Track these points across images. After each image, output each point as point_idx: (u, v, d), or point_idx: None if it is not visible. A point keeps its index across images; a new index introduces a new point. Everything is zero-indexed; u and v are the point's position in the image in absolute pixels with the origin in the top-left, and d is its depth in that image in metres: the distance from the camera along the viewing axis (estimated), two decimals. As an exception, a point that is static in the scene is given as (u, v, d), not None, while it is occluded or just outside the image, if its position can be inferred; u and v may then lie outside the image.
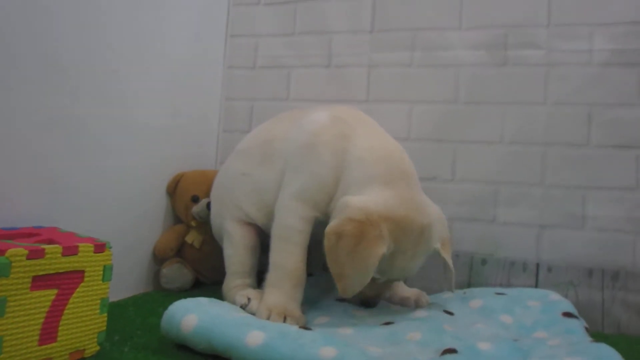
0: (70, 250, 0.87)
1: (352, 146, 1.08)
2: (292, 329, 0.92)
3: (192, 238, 1.38)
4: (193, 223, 1.38)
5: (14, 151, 1.00)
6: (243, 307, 1.07)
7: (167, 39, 1.37)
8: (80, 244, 0.89)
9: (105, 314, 0.93)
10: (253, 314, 1.02)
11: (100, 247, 0.92)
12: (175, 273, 1.34)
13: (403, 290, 1.19)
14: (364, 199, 0.99)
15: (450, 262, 1.08)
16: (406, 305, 1.16)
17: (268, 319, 0.98)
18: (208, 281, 1.40)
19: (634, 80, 1.23)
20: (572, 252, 1.25)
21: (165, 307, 0.98)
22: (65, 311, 0.87)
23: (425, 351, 0.90)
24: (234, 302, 1.10)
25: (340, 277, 0.96)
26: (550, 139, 1.28)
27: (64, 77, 1.09)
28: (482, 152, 1.33)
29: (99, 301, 0.92)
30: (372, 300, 1.14)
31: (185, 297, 1.01)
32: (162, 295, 1.29)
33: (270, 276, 1.07)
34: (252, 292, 1.11)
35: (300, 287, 1.05)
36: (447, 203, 1.28)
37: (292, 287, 1.04)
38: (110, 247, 0.93)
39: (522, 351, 0.91)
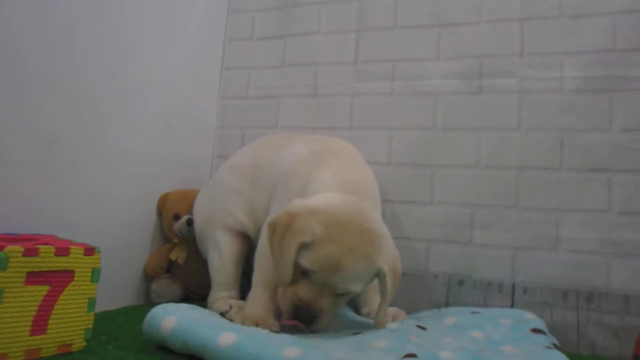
0: (62, 251, 1.00)
1: (318, 174, 1.19)
2: (263, 332, 1.01)
3: (176, 255, 1.50)
4: (175, 240, 1.51)
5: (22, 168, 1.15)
6: (224, 313, 1.19)
7: (166, 71, 1.54)
8: (71, 247, 1.02)
9: (93, 313, 1.04)
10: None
11: (89, 251, 1.04)
12: (165, 288, 1.47)
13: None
14: (306, 200, 1.10)
15: (391, 288, 1.08)
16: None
17: (242, 324, 1.09)
18: (196, 297, 1.52)
19: (604, 106, 1.32)
20: (547, 274, 1.33)
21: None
22: (56, 307, 0.99)
23: (386, 356, 0.97)
24: (217, 310, 1.22)
25: (277, 266, 1.07)
26: (524, 163, 1.38)
27: (91, 106, 1.29)
28: (458, 176, 1.43)
29: (87, 300, 1.04)
30: (307, 309, 1.08)
31: None
32: (151, 307, 1.39)
33: (252, 291, 1.19)
34: (234, 302, 1.24)
35: (275, 299, 1.15)
36: (426, 225, 1.37)
37: (267, 300, 1.15)
38: (99, 252, 1.06)
39: (480, 359, 0.98)
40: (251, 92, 1.72)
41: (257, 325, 1.07)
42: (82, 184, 1.28)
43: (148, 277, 1.49)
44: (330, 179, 1.15)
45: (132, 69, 1.42)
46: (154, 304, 1.42)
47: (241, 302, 1.24)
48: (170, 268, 1.51)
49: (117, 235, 1.38)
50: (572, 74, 1.35)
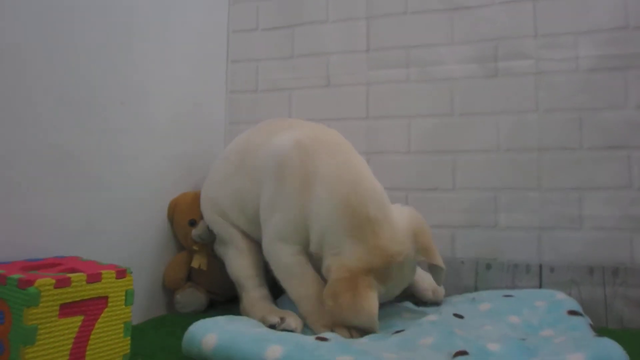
0: (94, 278, 0.94)
1: (318, 187, 1.15)
2: (309, 340, 1.00)
3: (198, 262, 1.45)
4: (195, 247, 1.46)
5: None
6: (275, 325, 1.13)
7: (173, 69, 1.49)
8: (103, 271, 0.97)
9: (129, 337, 0.99)
10: (289, 331, 1.10)
11: (121, 273, 0.99)
12: (189, 298, 1.42)
13: (422, 282, 1.29)
14: (340, 260, 1.10)
15: (437, 261, 1.15)
16: (423, 297, 1.27)
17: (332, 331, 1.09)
18: (221, 298, 1.49)
19: (619, 84, 1.34)
20: (573, 252, 1.35)
21: (183, 329, 1.06)
22: (92, 336, 0.93)
23: (437, 354, 0.96)
24: (262, 320, 1.17)
25: (352, 322, 1.09)
26: (544, 144, 1.39)
27: (99, 114, 1.23)
28: (479, 161, 1.44)
29: (122, 325, 0.98)
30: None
31: (198, 318, 1.05)
32: (178, 317, 1.37)
33: (303, 308, 1.16)
34: (281, 312, 1.19)
35: None
36: (449, 212, 1.39)
37: (324, 313, 1.13)
38: (131, 272, 1.01)
39: (529, 349, 0.98)
40: (260, 85, 1.68)
41: (334, 331, 1.08)
42: (99, 197, 1.23)
43: (168, 288, 1.44)
44: (331, 202, 1.13)
45: (139, 71, 1.36)
46: (179, 314, 1.38)
47: (286, 311, 1.19)
48: (190, 275, 1.47)
49: (134, 245, 1.33)
50: (587, 54, 1.37)
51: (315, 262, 1.18)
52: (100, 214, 1.22)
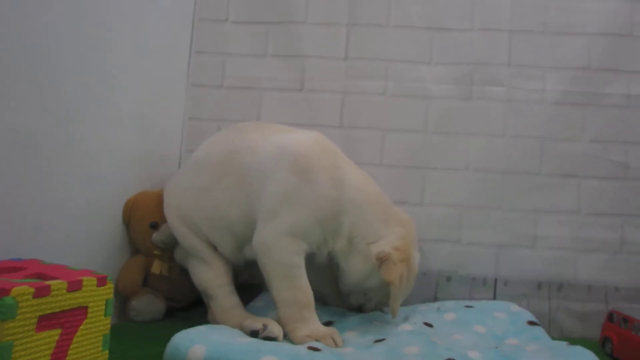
0: (74, 286, 0.85)
1: (347, 183, 1.18)
2: (302, 351, 0.99)
3: (159, 267, 1.37)
4: (156, 251, 1.37)
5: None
6: (258, 332, 1.09)
7: (141, 57, 1.37)
8: (84, 278, 0.87)
9: (107, 351, 0.91)
10: (272, 338, 1.08)
11: (102, 281, 0.90)
12: (146, 305, 1.32)
13: None
14: (388, 244, 1.17)
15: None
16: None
17: (302, 343, 1.06)
18: (180, 305, 1.41)
19: (578, 119, 1.48)
20: (525, 268, 1.47)
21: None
22: (70, 351, 0.84)
23: None
24: (240, 328, 1.14)
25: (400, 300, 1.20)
26: (508, 168, 1.49)
27: (65, 101, 1.10)
28: (448, 179, 1.51)
29: (101, 338, 0.90)
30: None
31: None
32: (136, 326, 1.28)
33: (286, 313, 1.13)
34: (261, 319, 1.15)
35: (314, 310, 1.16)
36: (417, 226, 1.38)
37: (314, 316, 1.13)
38: (110, 279, 0.93)
39: (507, 357, 1.06)
40: (227, 82, 1.59)
41: (318, 340, 1.06)
42: (56, 192, 1.10)
43: (121, 293, 1.32)
44: (363, 197, 1.19)
45: (108, 56, 1.24)
46: (134, 323, 1.26)
47: (266, 318, 1.16)
48: (146, 280, 1.36)
49: (83, 246, 1.19)
50: (553, 88, 1.48)
51: (321, 262, 1.20)
52: (49, 211, 1.08)
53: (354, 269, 1.20)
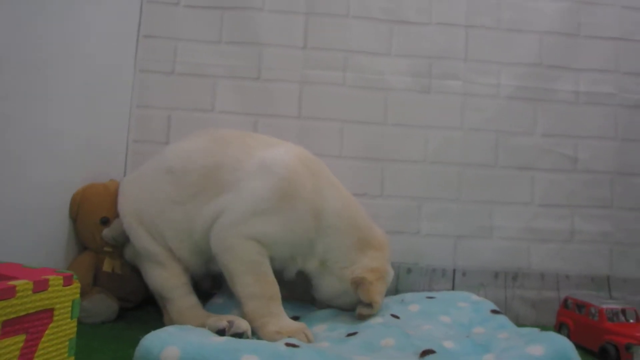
0: (41, 286, 0.79)
1: (327, 211, 1.21)
2: (282, 347, 0.97)
3: (111, 265, 1.31)
4: (107, 248, 1.31)
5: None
6: (225, 330, 1.07)
7: (89, 35, 1.30)
8: (50, 277, 0.82)
9: (73, 357, 0.86)
10: (239, 334, 1.06)
11: (68, 280, 0.85)
12: (98, 305, 1.25)
13: None
14: (366, 266, 1.22)
15: None
16: None
17: (274, 340, 1.04)
18: (131, 305, 1.35)
19: (530, 114, 1.57)
20: (482, 259, 1.54)
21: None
22: (34, 359, 0.78)
23: (405, 355, 1.03)
24: (202, 326, 1.10)
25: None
26: (465, 160, 1.56)
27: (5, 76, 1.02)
28: (407, 171, 1.55)
29: (67, 342, 0.84)
30: None
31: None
32: (86, 328, 1.18)
33: (253, 308, 1.11)
34: (224, 316, 1.12)
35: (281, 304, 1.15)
36: (376, 218, 1.45)
37: (281, 310, 1.13)
38: (77, 278, 0.88)
39: (482, 346, 1.10)
40: (179, 68, 1.54)
41: (290, 337, 1.05)
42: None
43: None
44: (341, 223, 1.23)
45: (46, 38, 1.15)
46: (84, 325, 1.18)
47: (229, 315, 1.13)
48: (96, 279, 1.29)
49: (25, 242, 1.12)
50: (507, 83, 1.56)
51: (290, 278, 1.23)
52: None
53: (327, 289, 1.26)
